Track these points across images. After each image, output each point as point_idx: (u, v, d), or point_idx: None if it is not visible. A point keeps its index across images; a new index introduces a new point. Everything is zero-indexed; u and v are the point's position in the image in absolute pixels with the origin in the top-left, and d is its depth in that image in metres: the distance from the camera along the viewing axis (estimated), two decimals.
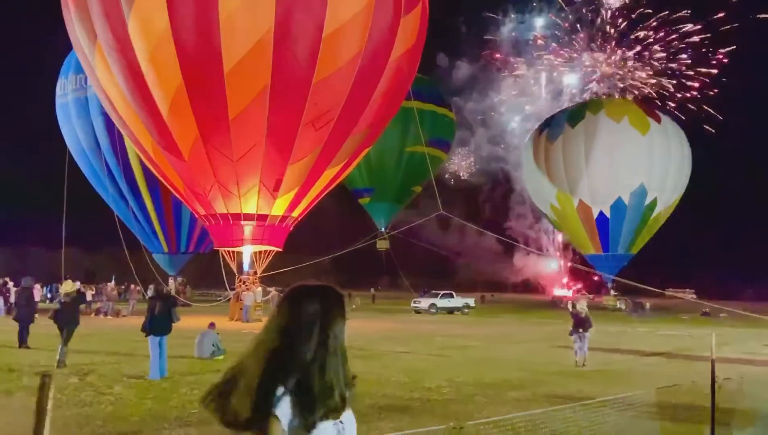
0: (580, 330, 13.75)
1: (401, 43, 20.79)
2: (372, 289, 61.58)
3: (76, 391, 9.08)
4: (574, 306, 14.81)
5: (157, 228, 31.73)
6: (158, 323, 10.73)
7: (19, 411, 7.74)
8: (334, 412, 1.83)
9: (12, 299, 26.87)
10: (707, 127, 62.14)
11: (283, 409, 1.76)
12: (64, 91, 30.34)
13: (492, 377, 11.44)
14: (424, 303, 36.21)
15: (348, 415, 1.90)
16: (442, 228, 66.13)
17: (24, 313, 14.82)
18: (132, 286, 30.49)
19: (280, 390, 1.77)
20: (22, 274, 30.79)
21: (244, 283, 26.18)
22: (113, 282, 31.28)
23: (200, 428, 7.06)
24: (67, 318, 12.16)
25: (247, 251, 25.32)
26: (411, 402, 8.57)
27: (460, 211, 53.44)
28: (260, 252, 25.52)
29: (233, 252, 25.62)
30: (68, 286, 12.92)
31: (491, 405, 8.59)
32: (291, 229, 25.11)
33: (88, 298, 27.46)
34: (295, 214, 24.38)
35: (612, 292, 47.87)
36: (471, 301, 38.16)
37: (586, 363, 13.49)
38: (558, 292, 70.35)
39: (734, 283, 63.32)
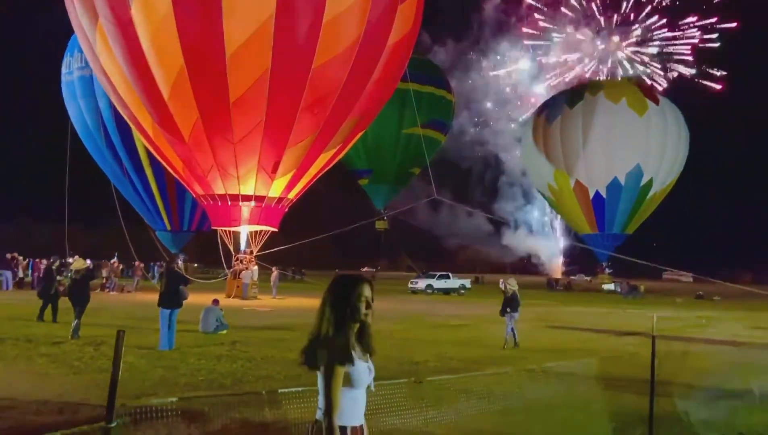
0: (508, 310, 13.58)
1: (398, 29, 21.19)
2: (366, 268, 62.69)
3: (92, 360, 9.83)
4: (505, 285, 14.33)
5: (160, 206, 32.21)
6: (167, 298, 11.46)
7: (43, 377, 8.46)
8: (370, 355, 2.87)
9: (20, 274, 27.67)
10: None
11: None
12: (70, 69, 30.52)
13: (479, 354, 12.12)
14: (421, 284, 37.05)
15: (371, 364, 2.87)
16: (438, 210, 66.82)
17: (46, 289, 15.35)
18: (135, 262, 31.06)
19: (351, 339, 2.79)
20: (24, 250, 31.53)
21: (241, 262, 26.84)
22: (116, 258, 31.86)
23: (208, 392, 7.78)
24: (78, 294, 12.75)
25: (244, 231, 25.93)
26: (398, 373, 9.23)
27: (453, 193, 53.96)
28: (256, 232, 26.13)
29: (230, 232, 26.22)
30: (79, 263, 13.56)
31: (471, 378, 9.28)
32: (286, 210, 25.72)
33: (104, 274, 28.23)
34: (291, 195, 24.95)
35: (607, 270, 48.52)
36: (467, 283, 38.95)
37: (518, 343, 13.24)
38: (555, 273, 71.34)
39: (732, 267, 63.85)
